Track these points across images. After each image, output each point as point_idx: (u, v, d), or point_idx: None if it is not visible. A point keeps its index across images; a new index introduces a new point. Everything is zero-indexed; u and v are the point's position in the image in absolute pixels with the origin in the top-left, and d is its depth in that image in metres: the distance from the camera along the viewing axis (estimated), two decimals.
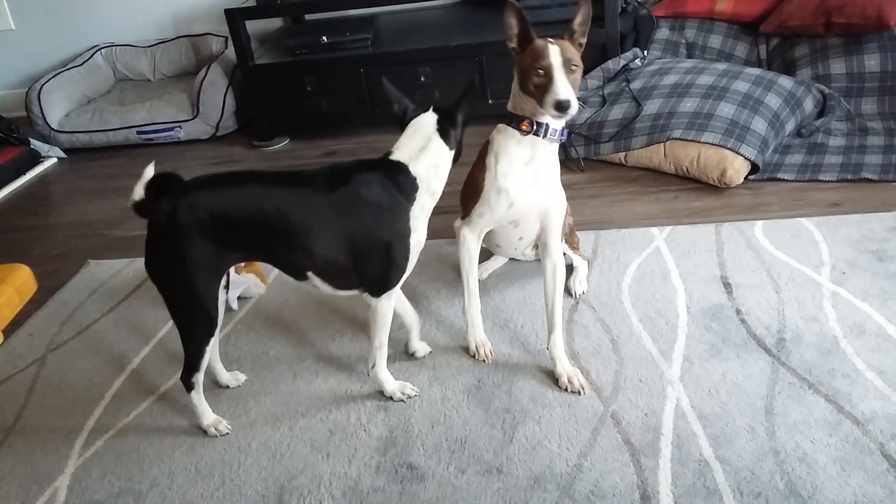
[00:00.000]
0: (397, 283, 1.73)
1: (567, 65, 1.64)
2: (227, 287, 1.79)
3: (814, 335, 1.88)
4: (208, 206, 1.59)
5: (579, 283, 2.17)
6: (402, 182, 1.65)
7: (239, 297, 2.32)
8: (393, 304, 1.77)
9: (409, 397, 1.86)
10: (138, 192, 1.58)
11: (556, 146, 1.79)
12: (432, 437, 1.74)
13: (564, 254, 2.19)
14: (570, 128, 2.93)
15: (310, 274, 1.69)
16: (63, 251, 2.85)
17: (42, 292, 2.49)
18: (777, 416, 1.66)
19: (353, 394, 1.91)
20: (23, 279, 0.76)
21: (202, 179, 1.65)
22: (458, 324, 2.11)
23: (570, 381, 1.82)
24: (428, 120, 1.69)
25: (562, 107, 1.60)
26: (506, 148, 1.77)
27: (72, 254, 2.80)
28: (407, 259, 1.70)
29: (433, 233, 2.56)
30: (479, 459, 1.67)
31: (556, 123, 1.73)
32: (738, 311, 2.00)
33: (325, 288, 1.72)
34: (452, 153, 1.70)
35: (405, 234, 1.67)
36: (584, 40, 1.73)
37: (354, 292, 1.75)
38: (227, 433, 1.83)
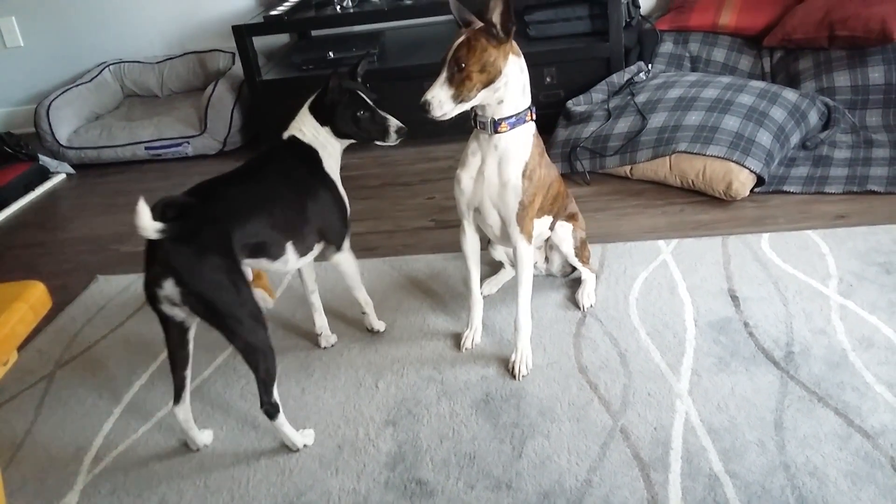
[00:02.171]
0: (348, 230, 2.00)
1: (453, 63, 1.67)
2: None
3: (822, 348, 1.88)
4: (225, 220, 1.68)
5: (587, 297, 2.17)
6: (303, 150, 1.93)
7: None
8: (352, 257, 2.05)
9: None
10: (151, 232, 1.51)
11: (503, 138, 1.80)
12: (441, 452, 1.74)
13: (574, 268, 2.21)
14: (575, 141, 2.94)
15: (287, 245, 1.84)
16: (72, 267, 2.87)
17: (51, 308, 2.49)
18: (787, 429, 1.66)
19: (362, 408, 1.91)
20: (37, 296, 0.77)
21: (202, 195, 1.72)
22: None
23: (513, 365, 1.95)
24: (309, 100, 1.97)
25: (421, 107, 1.67)
26: (468, 142, 1.90)
27: (80, 269, 2.82)
28: (346, 207, 1.98)
29: (440, 246, 2.58)
30: (489, 475, 1.66)
31: (483, 115, 1.79)
32: (746, 325, 2.00)
33: (293, 259, 1.87)
34: (325, 126, 1.94)
35: (334, 185, 1.96)
36: (504, 36, 1.69)
37: (314, 252, 1.96)
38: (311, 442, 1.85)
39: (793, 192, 2.61)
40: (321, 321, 2.18)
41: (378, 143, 1.98)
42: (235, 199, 1.75)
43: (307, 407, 1.95)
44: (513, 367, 1.95)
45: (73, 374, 2.21)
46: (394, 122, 1.95)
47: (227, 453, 1.83)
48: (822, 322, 1.97)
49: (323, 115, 1.93)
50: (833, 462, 1.57)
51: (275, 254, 1.82)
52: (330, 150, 1.96)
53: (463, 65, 1.66)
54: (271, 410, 1.73)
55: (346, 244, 2.02)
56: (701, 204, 2.64)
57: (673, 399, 1.79)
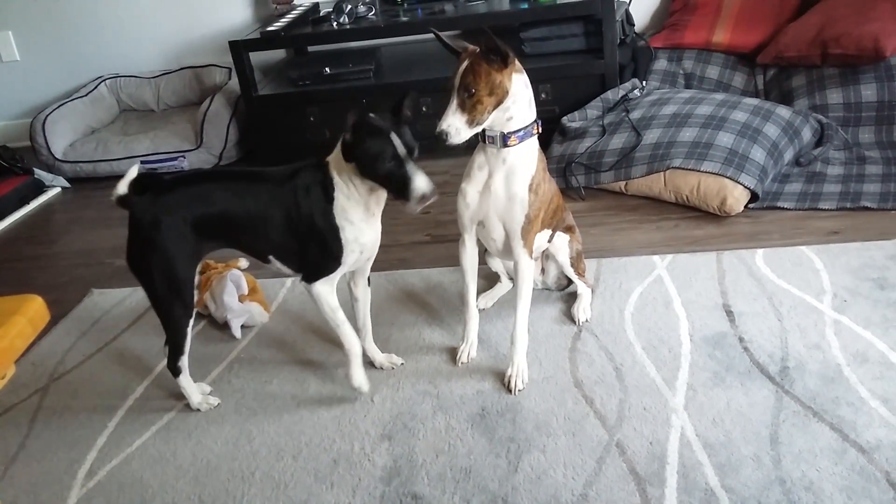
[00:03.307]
0: (329, 272, 1.83)
1: (462, 89, 1.70)
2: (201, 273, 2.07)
3: (817, 363, 1.89)
4: (186, 200, 1.81)
5: (583, 311, 2.18)
6: (324, 180, 1.79)
7: (242, 326, 2.33)
8: (331, 292, 1.86)
9: None
10: (122, 188, 1.80)
11: (512, 152, 1.82)
12: (437, 466, 1.74)
13: (569, 281, 2.21)
14: (570, 157, 2.96)
15: (271, 257, 1.88)
16: (66, 280, 2.86)
17: None
18: (782, 444, 1.66)
19: (357, 423, 1.91)
20: (35, 309, 0.78)
21: (180, 177, 1.92)
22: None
23: (509, 379, 1.95)
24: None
25: (438, 137, 1.70)
26: (473, 155, 1.91)
27: (75, 283, 2.81)
28: (341, 252, 1.80)
29: (436, 260, 2.58)
30: (484, 489, 1.66)
31: (492, 130, 1.80)
32: (741, 339, 2.01)
33: (285, 270, 1.90)
34: (349, 162, 1.73)
35: (334, 227, 1.79)
36: (502, 62, 1.71)
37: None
38: (218, 403, 2.03)
39: (787, 208, 2.63)
40: (368, 346, 2.09)
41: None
42: (210, 191, 1.84)
43: (302, 421, 1.94)
44: (508, 381, 1.95)
45: (68, 388, 2.20)
46: (420, 186, 1.66)
47: (221, 467, 1.82)
48: (816, 337, 1.98)
49: (347, 152, 1.73)
50: (828, 477, 1.57)
51: (261, 259, 1.90)
52: (349, 190, 1.76)
53: (472, 90, 1.68)
54: (173, 371, 1.96)
55: (321, 283, 1.84)
56: (695, 219, 2.66)
57: (669, 414, 1.79)
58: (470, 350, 2.09)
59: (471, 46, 1.75)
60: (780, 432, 1.70)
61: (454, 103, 1.70)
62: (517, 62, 1.76)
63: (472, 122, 1.71)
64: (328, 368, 2.13)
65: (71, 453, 1.94)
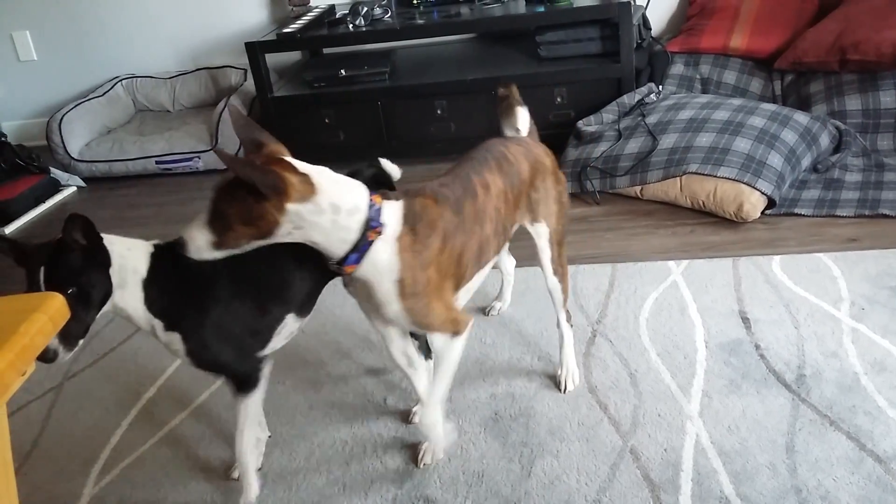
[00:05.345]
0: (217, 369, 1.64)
1: (214, 210, 1.37)
2: None
3: (834, 371, 1.87)
4: None
5: (570, 376, 1.96)
6: None
7: None
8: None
9: None
10: None
11: (361, 272, 1.46)
12: (449, 470, 1.73)
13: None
14: (586, 161, 2.95)
15: None
16: None
17: None
18: (798, 453, 1.65)
19: (370, 425, 1.90)
20: (56, 307, 0.77)
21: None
22: (474, 355, 2.11)
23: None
24: None
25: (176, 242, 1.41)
26: None
27: None
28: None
29: None
30: (497, 494, 1.65)
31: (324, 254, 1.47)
32: (758, 347, 1.99)
33: None
34: None
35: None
36: (266, 196, 1.33)
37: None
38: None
39: (804, 215, 2.61)
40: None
41: None
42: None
43: (315, 423, 1.94)
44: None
45: (82, 386, 2.21)
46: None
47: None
48: (833, 345, 1.96)
49: None
50: (845, 486, 1.55)
51: None
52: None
53: (224, 214, 1.34)
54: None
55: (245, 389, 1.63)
56: (711, 225, 2.64)
57: (683, 420, 1.78)
58: (435, 452, 1.78)
59: (270, 144, 1.40)
60: (796, 441, 1.68)
61: (203, 217, 1.37)
62: (309, 185, 1.35)
63: (219, 246, 1.37)
64: (341, 370, 2.13)
65: (85, 451, 1.94)
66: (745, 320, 2.10)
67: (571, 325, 1.97)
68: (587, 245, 2.60)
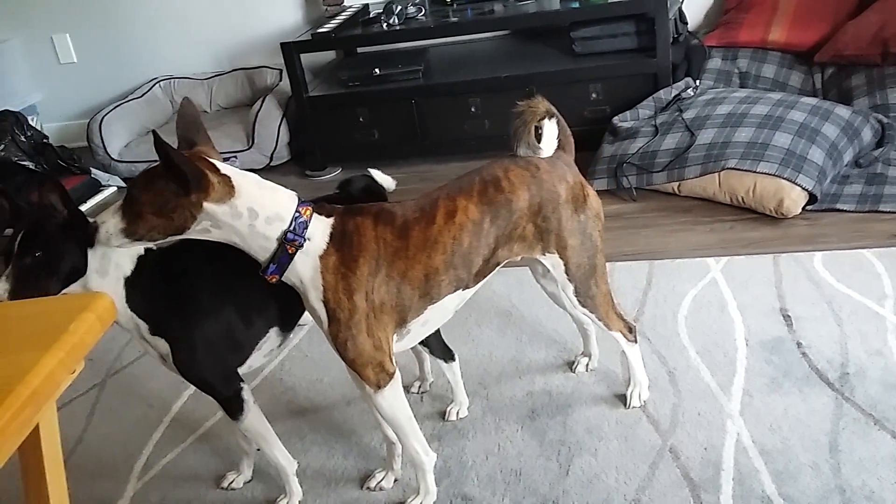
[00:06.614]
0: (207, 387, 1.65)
1: (129, 195, 1.36)
2: None
3: (878, 370, 1.83)
4: None
5: (639, 391, 1.88)
6: None
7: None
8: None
9: None
10: None
11: (289, 277, 1.46)
12: (486, 468, 1.73)
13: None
14: (622, 157, 2.92)
15: None
16: None
17: None
18: (842, 452, 1.62)
19: None
20: (104, 306, 0.79)
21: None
22: (511, 353, 2.10)
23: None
24: None
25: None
26: None
27: None
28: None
29: None
30: (535, 492, 1.65)
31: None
32: (799, 345, 1.96)
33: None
34: None
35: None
36: (175, 190, 1.32)
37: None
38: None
39: (846, 211, 2.56)
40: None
41: None
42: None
43: (352, 420, 1.95)
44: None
45: (124, 384, 2.25)
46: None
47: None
48: (878, 343, 1.92)
49: None
50: (890, 486, 1.52)
51: None
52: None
53: (139, 203, 1.32)
54: None
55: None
56: (751, 221, 2.60)
57: (724, 419, 1.76)
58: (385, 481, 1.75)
59: (204, 145, 1.41)
60: (839, 440, 1.65)
61: (118, 204, 1.34)
62: (230, 187, 1.34)
63: (129, 234, 1.34)
64: None
65: (127, 447, 1.98)
66: (787, 318, 2.07)
67: (635, 341, 1.82)
68: (624, 242, 2.58)
